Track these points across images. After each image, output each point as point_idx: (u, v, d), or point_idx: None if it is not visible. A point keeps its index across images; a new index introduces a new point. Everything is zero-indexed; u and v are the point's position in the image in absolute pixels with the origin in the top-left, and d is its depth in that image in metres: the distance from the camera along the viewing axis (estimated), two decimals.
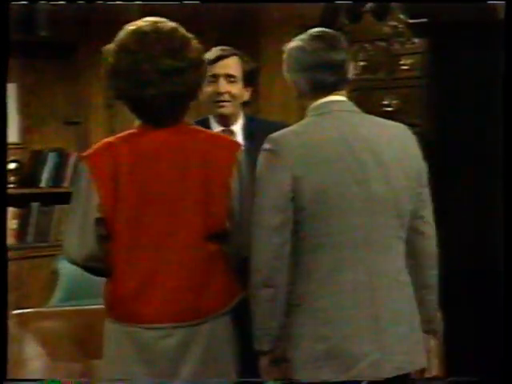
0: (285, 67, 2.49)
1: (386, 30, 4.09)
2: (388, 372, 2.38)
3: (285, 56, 2.49)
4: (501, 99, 2.60)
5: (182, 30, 2.48)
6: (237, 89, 3.18)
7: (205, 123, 3.28)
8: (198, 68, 2.47)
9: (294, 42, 2.48)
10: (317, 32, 2.48)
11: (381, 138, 2.43)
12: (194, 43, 2.48)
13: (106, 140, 2.50)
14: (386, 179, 2.39)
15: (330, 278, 2.36)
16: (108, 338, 2.49)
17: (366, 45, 4.19)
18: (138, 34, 2.42)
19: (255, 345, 2.43)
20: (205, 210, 2.43)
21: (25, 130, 5.19)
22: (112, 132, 4.61)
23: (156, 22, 2.46)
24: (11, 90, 4.71)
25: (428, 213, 2.49)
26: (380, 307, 2.38)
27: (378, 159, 2.39)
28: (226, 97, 3.17)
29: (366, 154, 2.39)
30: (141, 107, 2.45)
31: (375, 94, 4.18)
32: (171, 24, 2.48)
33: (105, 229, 2.43)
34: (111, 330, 2.48)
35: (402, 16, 4.00)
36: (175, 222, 2.42)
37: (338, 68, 2.44)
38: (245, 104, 3.28)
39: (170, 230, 2.42)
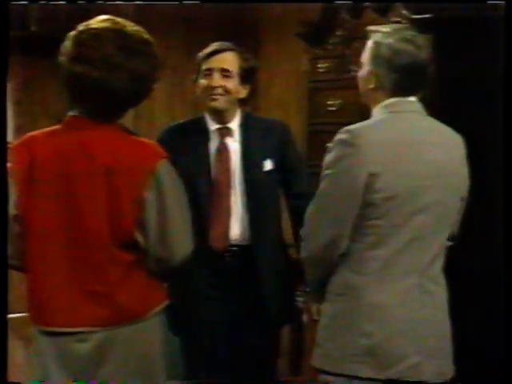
0: (369, 60, 2.53)
1: None
2: (428, 376, 2.45)
3: (371, 48, 2.53)
4: (501, 97, 2.65)
5: (142, 35, 2.42)
6: (231, 84, 3.20)
7: (200, 121, 3.31)
8: (140, 78, 2.40)
9: (383, 38, 2.52)
10: (405, 32, 2.53)
11: (448, 146, 2.53)
12: (148, 51, 2.42)
13: (30, 134, 2.47)
14: (449, 189, 2.50)
15: (383, 276, 2.43)
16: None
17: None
18: (94, 23, 2.40)
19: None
20: (110, 221, 2.35)
21: (17, 129, 5.21)
22: None
23: (117, 22, 2.42)
24: None
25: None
26: (427, 310, 2.46)
27: (444, 167, 2.49)
28: (220, 91, 3.19)
29: (435, 159, 2.47)
30: (72, 94, 2.41)
31: None
32: (134, 28, 2.43)
33: (21, 227, 2.40)
34: (31, 332, 2.45)
35: (404, 12, 4.01)
36: (86, 227, 2.36)
37: (424, 70, 2.52)
38: (243, 102, 3.29)
39: (82, 234, 2.37)
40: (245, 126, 3.27)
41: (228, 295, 3.23)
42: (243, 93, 3.25)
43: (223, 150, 3.25)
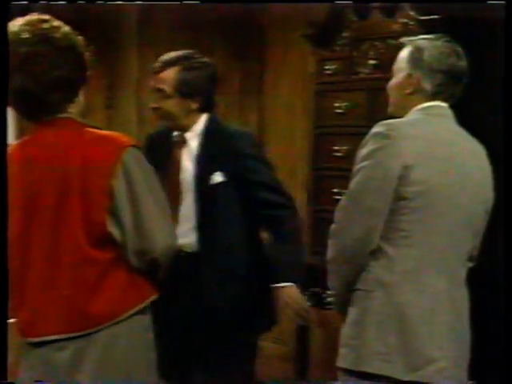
0: (408, 64, 2.65)
1: (396, 27, 4.14)
2: (452, 383, 2.49)
3: (411, 53, 2.65)
4: (502, 97, 2.72)
5: (52, 22, 2.48)
6: (169, 104, 3.16)
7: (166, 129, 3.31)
8: (63, 53, 2.42)
9: (425, 44, 2.64)
10: (446, 40, 2.65)
11: (477, 155, 2.64)
12: (63, 30, 2.45)
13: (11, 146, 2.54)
14: (478, 197, 2.60)
15: (413, 276, 2.49)
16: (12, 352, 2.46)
17: (377, 42, 4.26)
18: (13, 27, 2.47)
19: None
20: (84, 215, 2.37)
21: (19, 131, 5.28)
22: None
23: (30, 18, 2.49)
24: None
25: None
26: (455, 317, 2.53)
27: (474, 173, 2.59)
28: (158, 112, 3.17)
29: (467, 164, 2.57)
30: (13, 98, 2.45)
31: (386, 94, 4.25)
32: (42, 17, 2.50)
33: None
34: (17, 342, 2.49)
35: (412, 13, 4.05)
36: (59, 229, 2.39)
37: (461, 79, 2.64)
38: (206, 109, 3.24)
39: (56, 237, 2.39)
40: (203, 135, 3.26)
41: (180, 299, 3.29)
42: (192, 105, 3.20)
43: (175, 161, 3.29)
